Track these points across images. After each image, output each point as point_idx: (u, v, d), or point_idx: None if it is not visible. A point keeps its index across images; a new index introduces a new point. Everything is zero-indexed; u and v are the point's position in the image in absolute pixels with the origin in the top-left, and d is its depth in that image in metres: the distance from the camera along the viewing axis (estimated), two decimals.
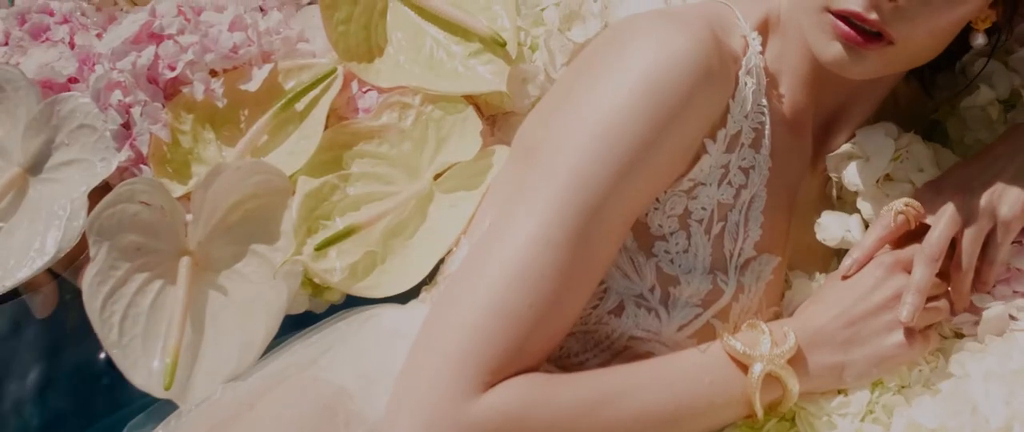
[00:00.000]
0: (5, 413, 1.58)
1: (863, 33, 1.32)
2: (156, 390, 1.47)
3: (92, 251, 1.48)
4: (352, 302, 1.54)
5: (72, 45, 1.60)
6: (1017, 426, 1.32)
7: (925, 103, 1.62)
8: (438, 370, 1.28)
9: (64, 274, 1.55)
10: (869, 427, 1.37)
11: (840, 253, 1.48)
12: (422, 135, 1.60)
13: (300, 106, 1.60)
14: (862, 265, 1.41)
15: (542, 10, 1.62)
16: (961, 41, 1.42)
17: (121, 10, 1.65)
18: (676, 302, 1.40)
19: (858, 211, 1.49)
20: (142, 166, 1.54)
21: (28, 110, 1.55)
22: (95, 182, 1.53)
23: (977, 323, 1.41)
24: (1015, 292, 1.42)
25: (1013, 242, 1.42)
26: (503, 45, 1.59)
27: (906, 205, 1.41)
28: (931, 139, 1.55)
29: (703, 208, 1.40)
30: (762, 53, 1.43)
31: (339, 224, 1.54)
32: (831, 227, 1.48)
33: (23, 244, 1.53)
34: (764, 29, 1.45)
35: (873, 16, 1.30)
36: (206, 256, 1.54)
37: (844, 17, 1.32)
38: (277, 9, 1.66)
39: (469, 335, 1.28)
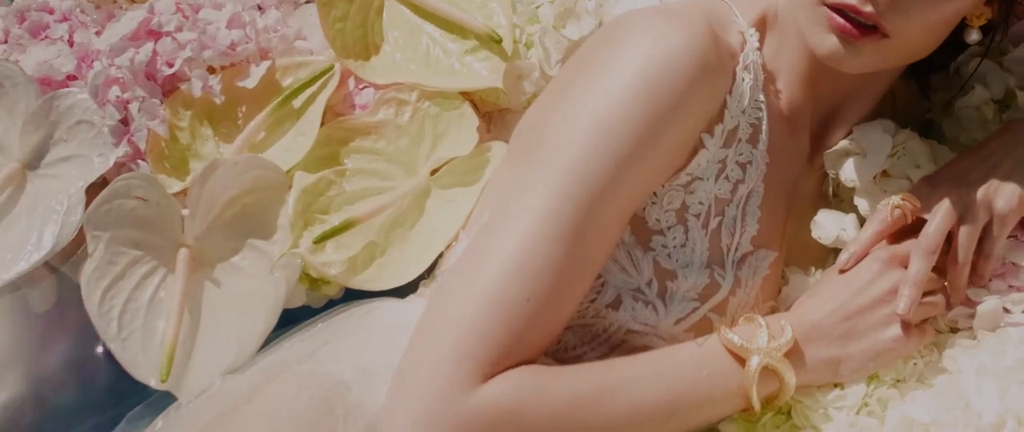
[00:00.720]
0: (3, 407, 1.58)
1: (858, 25, 1.32)
2: (154, 382, 1.48)
3: (90, 246, 1.48)
4: (351, 296, 1.54)
5: (71, 43, 1.60)
6: (1011, 421, 1.32)
7: (922, 103, 1.62)
8: (436, 362, 1.27)
9: (63, 268, 1.55)
10: (864, 420, 1.36)
11: (837, 249, 1.48)
12: (419, 131, 1.60)
13: (297, 103, 1.60)
14: (859, 259, 1.41)
15: (537, 7, 1.62)
16: (957, 41, 1.42)
17: (120, 8, 1.65)
18: (673, 296, 1.40)
19: (855, 208, 1.49)
20: (140, 162, 1.54)
21: (26, 106, 1.55)
22: (92, 177, 1.53)
23: (972, 316, 1.41)
24: (1010, 287, 1.42)
25: (1009, 237, 1.42)
26: (499, 42, 1.59)
27: (903, 199, 1.41)
28: (927, 138, 1.55)
29: (700, 203, 1.40)
30: (759, 50, 1.43)
31: (336, 220, 1.54)
32: (827, 226, 1.49)
33: (20, 239, 1.53)
34: (761, 26, 1.45)
35: (868, 8, 1.31)
36: (203, 250, 1.54)
37: (839, 10, 1.32)
38: (275, 7, 1.66)
39: (467, 327, 1.28)
